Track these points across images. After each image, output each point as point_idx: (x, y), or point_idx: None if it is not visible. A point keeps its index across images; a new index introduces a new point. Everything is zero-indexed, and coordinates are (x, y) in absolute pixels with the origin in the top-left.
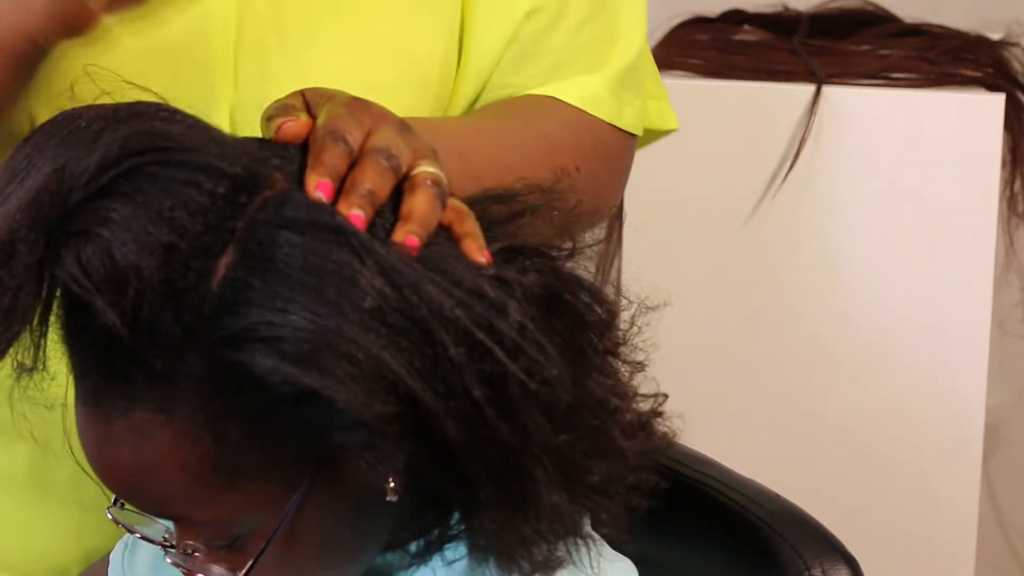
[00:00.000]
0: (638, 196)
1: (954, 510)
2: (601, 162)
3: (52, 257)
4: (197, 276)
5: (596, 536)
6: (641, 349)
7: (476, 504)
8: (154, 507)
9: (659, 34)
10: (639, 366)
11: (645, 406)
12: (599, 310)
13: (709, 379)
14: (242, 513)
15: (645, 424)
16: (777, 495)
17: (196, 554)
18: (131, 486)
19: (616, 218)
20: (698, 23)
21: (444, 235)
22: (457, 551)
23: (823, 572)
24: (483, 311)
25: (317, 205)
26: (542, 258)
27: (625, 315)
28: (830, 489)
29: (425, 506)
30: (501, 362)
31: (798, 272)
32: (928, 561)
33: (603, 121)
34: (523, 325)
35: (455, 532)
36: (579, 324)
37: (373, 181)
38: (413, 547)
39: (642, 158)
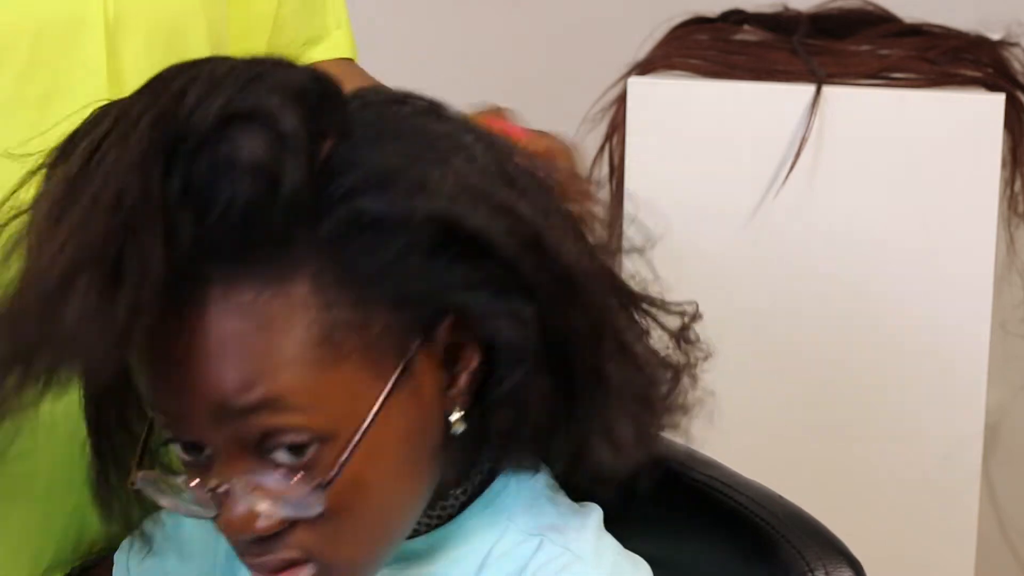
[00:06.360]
0: (638, 196)
1: (954, 510)
2: None
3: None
4: (308, 155)
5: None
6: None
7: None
8: (242, 390)
9: (659, 34)
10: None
11: (674, 322)
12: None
13: (709, 379)
14: (329, 403)
15: (682, 335)
16: (780, 496)
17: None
18: (225, 367)
19: (616, 218)
20: (698, 23)
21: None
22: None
23: (826, 574)
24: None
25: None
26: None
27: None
28: (830, 489)
29: (473, 449)
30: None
31: (798, 272)
32: (928, 561)
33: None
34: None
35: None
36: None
37: None
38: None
39: (641, 157)
